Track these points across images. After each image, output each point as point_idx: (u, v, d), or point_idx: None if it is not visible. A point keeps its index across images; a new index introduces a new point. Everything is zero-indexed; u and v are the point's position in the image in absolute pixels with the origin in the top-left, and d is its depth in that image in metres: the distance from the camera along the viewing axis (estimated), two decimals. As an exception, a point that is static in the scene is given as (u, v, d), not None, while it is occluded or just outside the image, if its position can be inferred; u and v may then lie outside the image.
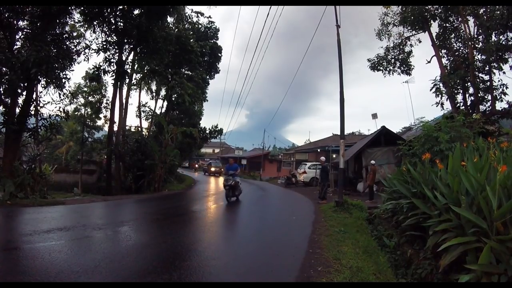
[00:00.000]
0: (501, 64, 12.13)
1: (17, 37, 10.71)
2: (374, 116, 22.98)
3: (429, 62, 14.54)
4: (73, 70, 11.61)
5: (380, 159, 14.79)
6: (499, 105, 12.49)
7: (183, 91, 19.39)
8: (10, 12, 10.03)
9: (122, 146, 16.56)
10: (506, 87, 12.24)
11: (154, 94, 26.31)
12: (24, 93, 10.37)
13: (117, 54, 15.56)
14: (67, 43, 11.64)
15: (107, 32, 15.24)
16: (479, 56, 12.97)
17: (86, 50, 14.45)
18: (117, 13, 14.76)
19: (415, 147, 8.51)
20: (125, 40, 15.51)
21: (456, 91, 13.46)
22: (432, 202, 4.06)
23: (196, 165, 46.45)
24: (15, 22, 10.43)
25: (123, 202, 11.12)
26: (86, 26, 15.61)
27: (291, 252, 5.01)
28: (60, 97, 11.31)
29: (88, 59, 14.61)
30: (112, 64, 15.59)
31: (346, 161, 13.36)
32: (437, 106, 13.37)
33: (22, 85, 9.89)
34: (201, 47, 20.79)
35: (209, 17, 25.92)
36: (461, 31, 13.73)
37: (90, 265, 3.73)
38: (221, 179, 21.78)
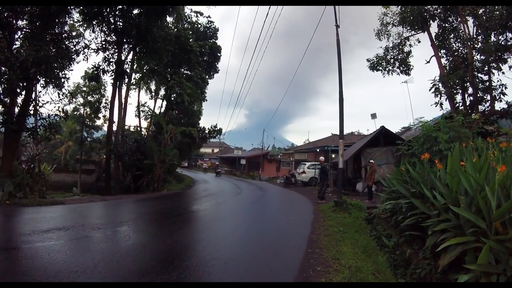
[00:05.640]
0: (500, 64, 12.14)
1: (16, 36, 10.68)
2: (373, 116, 23.01)
3: (428, 62, 14.55)
4: (72, 70, 11.61)
5: (379, 159, 14.80)
6: (498, 105, 12.52)
7: (182, 90, 19.38)
8: (9, 12, 9.99)
9: (121, 146, 16.54)
10: (505, 87, 12.26)
11: (153, 93, 26.34)
12: (23, 92, 10.34)
13: (116, 54, 15.53)
14: (66, 42, 11.61)
15: (106, 32, 15.21)
16: (478, 56, 12.98)
17: (85, 50, 14.45)
18: (116, 12, 14.73)
19: (414, 147, 8.49)
20: (124, 40, 15.48)
21: (455, 91, 13.46)
22: (431, 202, 4.06)
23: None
24: (14, 21, 10.40)
25: (122, 202, 11.10)
26: (85, 25, 15.60)
27: (290, 252, 5.01)
28: (59, 96, 11.27)
29: (87, 58, 14.65)
30: (111, 63, 15.56)
31: (345, 161, 13.37)
32: (436, 106, 13.39)
33: (21, 84, 9.86)
34: (200, 47, 20.77)
35: (209, 16, 25.95)
36: (460, 31, 13.74)
37: (89, 265, 3.72)
38: None
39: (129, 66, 17.30)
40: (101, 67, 15.54)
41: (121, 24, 15.08)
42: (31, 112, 10.86)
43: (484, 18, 12.06)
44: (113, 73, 15.61)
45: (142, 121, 25.97)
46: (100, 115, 26.09)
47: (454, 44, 14.23)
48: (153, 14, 15.05)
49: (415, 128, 12.02)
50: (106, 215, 8.46)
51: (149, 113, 24.82)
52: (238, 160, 41.47)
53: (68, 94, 12.16)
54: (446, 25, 13.95)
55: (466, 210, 3.23)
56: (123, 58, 15.86)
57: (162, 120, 18.02)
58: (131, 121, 51.53)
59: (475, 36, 13.00)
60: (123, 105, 17.03)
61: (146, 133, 23.03)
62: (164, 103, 23.49)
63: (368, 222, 7.64)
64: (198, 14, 24.17)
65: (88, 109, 26.16)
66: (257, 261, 4.53)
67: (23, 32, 10.74)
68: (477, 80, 12.71)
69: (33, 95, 11.22)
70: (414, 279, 3.83)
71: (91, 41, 15.03)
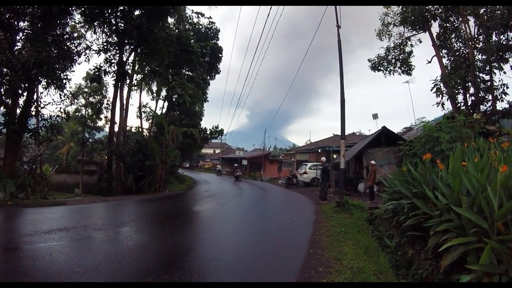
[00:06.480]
0: (501, 64, 12.08)
1: (18, 38, 10.73)
2: (375, 116, 22.99)
3: (429, 62, 14.51)
4: (73, 71, 11.69)
5: (380, 159, 14.76)
6: (500, 105, 12.45)
7: (183, 91, 19.42)
8: (10, 13, 10.05)
9: (122, 146, 16.56)
10: (507, 87, 12.19)
11: (154, 94, 26.39)
12: (25, 94, 10.39)
13: (118, 55, 15.58)
14: (68, 44, 11.66)
15: (108, 33, 15.27)
16: (479, 56, 12.92)
17: (87, 51, 14.52)
18: (118, 13, 14.78)
19: (415, 147, 8.49)
20: (126, 41, 15.52)
21: (456, 91, 13.41)
22: (433, 202, 4.05)
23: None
24: (15, 23, 10.45)
25: (124, 203, 11.12)
26: (87, 27, 15.66)
27: (292, 253, 5.01)
28: (60, 97, 11.34)
29: (88, 59, 14.72)
30: (112, 64, 15.61)
31: (346, 161, 13.35)
32: (437, 106, 13.33)
33: (22, 86, 9.90)
34: (201, 48, 20.82)
35: (210, 17, 26.07)
36: (462, 31, 13.69)
37: (91, 265, 3.73)
38: None
39: (131, 67, 17.37)
40: (102, 68, 15.59)
41: (122, 25, 15.13)
42: (33, 113, 10.92)
43: (485, 17, 12.03)
44: (114, 74, 15.65)
45: (143, 122, 26.03)
46: (102, 116, 26.18)
47: (455, 44, 14.19)
48: (154, 15, 15.10)
49: (416, 128, 12.01)
50: (107, 216, 8.48)
51: (151, 114, 24.87)
52: (240, 161, 41.45)
53: (70, 95, 12.20)
54: (447, 25, 13.91)
55: (468, 210, 3.22)
56: (124, 59, 15.92)
57: (164, 121, 18.04)
58: (132, 122, 51.72)
59: (476, 35, 12.96)
60: (124, 106, 17.05)
61: (147, 134, 23.04)
62: (166, 104, 23.55)
63: (370, 223, 7.63)
64: (199, 15, 24.30)
65: (89, 110, 26.24)
66: (259, 261, 4.53)
67: (25, 33, 10.78)
68: (479, 80, 12.66)
69: (35, 96, 11.28)
70: (416, 280, 3.82)
71: (92, 42, 15.12)
